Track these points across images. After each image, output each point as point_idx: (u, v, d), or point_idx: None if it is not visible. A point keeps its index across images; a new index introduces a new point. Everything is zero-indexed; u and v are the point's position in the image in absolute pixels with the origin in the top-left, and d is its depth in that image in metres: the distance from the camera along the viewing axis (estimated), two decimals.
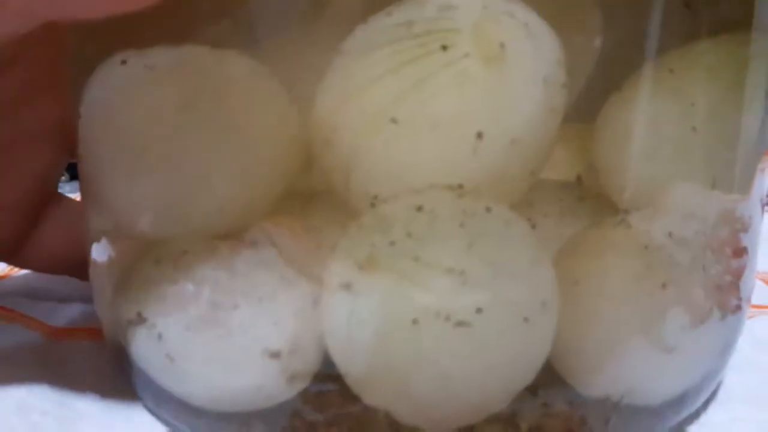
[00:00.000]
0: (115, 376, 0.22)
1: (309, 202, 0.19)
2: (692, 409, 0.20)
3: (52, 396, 0.21)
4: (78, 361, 0.23)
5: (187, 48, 0.17)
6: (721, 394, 0.22)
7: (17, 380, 0.21)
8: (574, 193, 0.19)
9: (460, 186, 0.16)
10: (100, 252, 0.21)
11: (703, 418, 0.21)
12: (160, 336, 0.18)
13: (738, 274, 0.20)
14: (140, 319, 0.18)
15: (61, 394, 0.21)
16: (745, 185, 0.20)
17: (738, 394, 0.22)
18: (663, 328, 0.18)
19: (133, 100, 0.18)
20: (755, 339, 0.26)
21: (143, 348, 0.19)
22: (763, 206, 0.21)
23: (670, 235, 0.18)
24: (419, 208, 0.16)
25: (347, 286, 0.17)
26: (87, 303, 0.26)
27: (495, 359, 0.17)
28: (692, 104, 0.18)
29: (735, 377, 0.23)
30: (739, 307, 0.20)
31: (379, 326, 0.16)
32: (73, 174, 0.52)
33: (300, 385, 0.18)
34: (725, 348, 0.21)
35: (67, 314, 0.26)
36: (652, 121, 0.18)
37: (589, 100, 0.19)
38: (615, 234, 0.18)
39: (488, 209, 0.17)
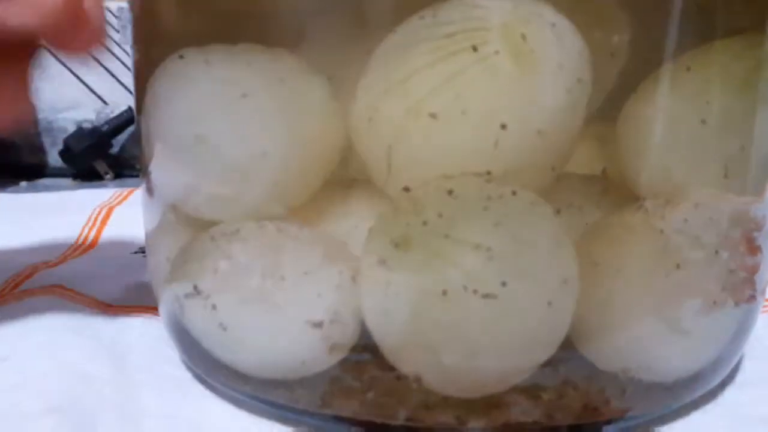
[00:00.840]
0: (167, 348, 0.24)
1: (348, 188, 0.20)
2: (706, 388, 0.22)
3: (112, 367, 0.23)
4: (132, 335, 0.25)
5: (241, 45, 0.19)
6: (738, 378, 0.23)
7: (79, 353, 0.23)
8: (597, 186, 0.20)
9: (488, 173, 0.18)
10: (158, 231, 0.23)
11: (720, 398, 0.22)
12: (214, 307, 0.20)
13: (753, 270, 0.21)
14: (196, 292, 0.20)
15: (120, 365, 0.23)
16: (759, 186, 0.21)
17: (755, 378, 0.24)
18: (677, 309, 0.19)
19: (191, 91, 0.20)
20: None
21: (198, 319, 0.20)
22: None
23: (685, 221, 0.19)
24: (450, 192, 0.18)
25: (383, 263, 0.18)
26: (137, 286, 0.28)
27: (519, 330, 0.18)
28: (707, 101, 0.19)
29: (754, 364, 0.24)
30: (753, 297, 0.21)
31: (412, 299, 0.18)
32: (118, 173, 0.54)
33: (339, 354, 0.19)
34: (739, 333, 0.22)
35: (120, 291, 0.28)
36: (668, 115, 0.19)
37: (615, 98, 0.20)
38: (633, 219, 0.19)
39: (514, 192, 0.18)
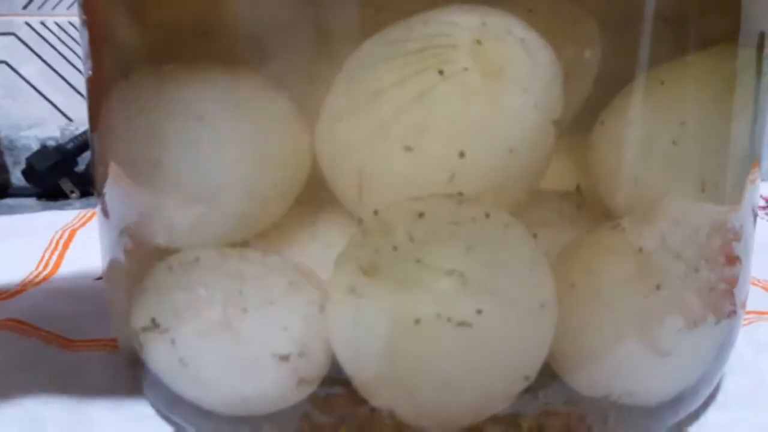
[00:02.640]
0: (127, 383, 0.22)
1: (316, 211, 0.20)
2: (689, 410, 0.21)
3: (67, 407, 0.21)
4: (92, 372, 0.24)
5: (199, 65, 0.18)
6: (720, 397, 0.23)
7: (32, 393, 0.22)
8: (573, 202, 0.20)
9: (460, 194, 0.17)
10: (114, 262, 0.21)
11: (702, 419, 0.22)
12: (173, 341, 0.19)
13: (732, 282, 0.21)
14: (154, 325, 0.19)
15: (75, 404, 0.21)
16: (736, 196, 0.20)
17: (737, 396, 0.23)
18: (658, 330, 0.19)
19: (146, 113, 0.19)
20: (756, 344, 0.26)
21: (157, 353, 0.19)
22: (755, 216, 0.22)
23: (663, 239, 0.19)
24: (421, 215, 0.17)
25: (352, 290, 0.17)
26: (99, 316, 0.27)
27: (496, 359, 0.17)
28: (682, 115, 0.19)
29: (735, 381, 0.24)
30: (733, 313, 0.21)
31: (384, 329, 0.17)
32: (84, 191, 0.53)
33: (308, 389, 0.19)
34: (721, 351, 0.21)
35: (80, 323, 0.27)
36: (643, 131, 0.19)
37: (588, 112, 0.19)
38: (610, 238, 0.19)
39: (487, 215, 0.17)
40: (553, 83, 0.17)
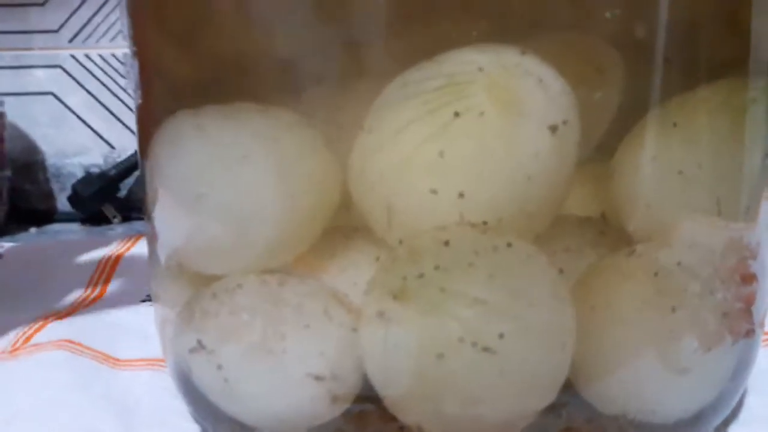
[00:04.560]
0: (175, 401, 0.24)
1: (349, 237, 0.21)
2: (709, 428, 0.22)
3: (120, 423, 0.23)
4: (141, 390, 0.25)
5: (233, 106, 0.20)
6: (742, 415, 0.23)
7: (87, 411, 0.23)
8: (594, 228, 0.21)
9: (485, 222, 0.18)
10: (164, 288, 0.23)
11: None
12: (217, 361, 0.20)
13: (749, 300, 0.21)
14: (200, 347, 0.20)
15: (128, 422, 0.23)
16: (751, 215, 0.21)
17: (759, 414, 0.23)
18: (675, 350, 0.19)
19: (189, 152, 0.20)
20: None
21: (203, 373, 0.21)
22: None
23: (678, 263, 0.20)
24: (446, 243, 0.18)
25: (382, 315, 0.18)
26: (145, 333, 0.29)
27: (519, 380, 0.18)
28: (695, 145, 0.20)
29: (757, 399, 0.24)
30: (752, 332, 0.22)
31: (411, 351, 0.18)
32: (126, 216, 0.55)
33: (342, 406, 0.20)
34: (740, 370, 0.22)
35: (128, 343, 0.28)
36: (658, 163, 0.19)
37: (610, 141, 0.20)
38: (628, 263, 0.20)
39: (509, 244, 0.18)
40: (569, 111, 0.18)
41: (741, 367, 0.22)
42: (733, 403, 0.22)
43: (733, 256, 0.20)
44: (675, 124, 0.20)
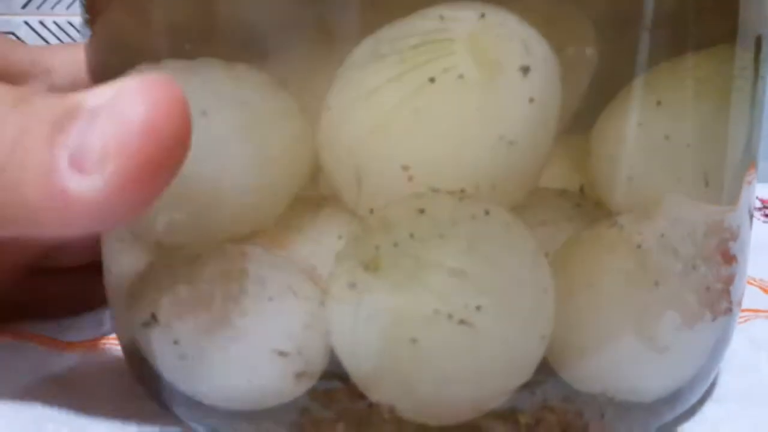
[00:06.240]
0: (128, 380, 0.22)
1: (317, 207, 0.20)
2: (686, 406, 0.21)
3: (68, 407, 0.21)
4: (91, 372, 0.24)
5: (200, 60, 0.18)
6: (716, 393, 0.23)
7: (32, 396, 0.22)
8: (571, 201, 0.20)
9: (462, 190, 0.17)
10: (115, 258, 0.21)
11: (699, 415, 0.22)
12: (173, 336, 0.19)
13: (728, 281, 0.21)
14: (154, 321, 0.19)
15: (76, 404, 0.22)
16: (733, 196, 0.20)
17: (733, 393, 0.23)
18: (655, 326, 0.19)
19: None
20: (752, 341, 0.26)
21: (157, 349, 0.19)
22: (751, 216, 0.22)
23: (662, 236, 0.19)
24: (422, 211, 0.17)
25: (352, 287, 0.17)
26: (96, 315, 0.27)
27: (495, 355, 0.17)
28: (678, 117, 0.19)
29: (730, 377, 0.24)
30: (729, 310, 0.21)
31: (383, 324, 0.17)
32: None
33: (308, 384, 0.19)
34: (717, 347, 0.21)
35: (77, 327, 0.27)
36: (641, 133, 0.19)
37: (589, 111, 0.19)
38: (609, 234, 0.19)
39: (487, 212, 0.17)
40: (551, 77, 0.17)
41: (718, 345, 0.21)
42: (710, 381, 0.22)
43: (715, 237, 0.20)
44: (659, 99, 0.19)
